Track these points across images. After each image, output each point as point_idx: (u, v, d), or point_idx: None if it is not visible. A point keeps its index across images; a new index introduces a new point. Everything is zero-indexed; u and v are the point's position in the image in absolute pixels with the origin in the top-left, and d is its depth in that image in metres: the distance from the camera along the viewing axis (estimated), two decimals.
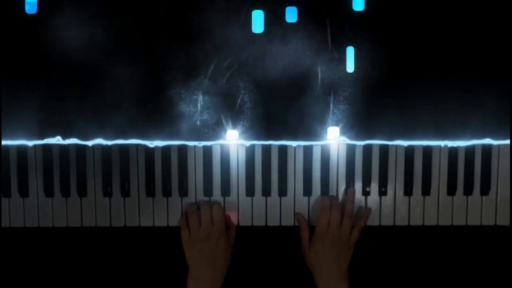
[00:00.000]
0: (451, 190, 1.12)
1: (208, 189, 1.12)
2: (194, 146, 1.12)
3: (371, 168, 1.12)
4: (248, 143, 1.11)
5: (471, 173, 1.12)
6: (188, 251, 1.09)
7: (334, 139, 1.11)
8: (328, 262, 1.08)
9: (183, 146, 1.11)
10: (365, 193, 1.13)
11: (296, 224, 1.12)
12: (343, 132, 1.11)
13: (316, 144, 1.11)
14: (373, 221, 1.13)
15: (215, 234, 1.07)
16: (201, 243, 1.07)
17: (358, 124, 1.11)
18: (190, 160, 1.12)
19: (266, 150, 1.12)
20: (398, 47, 1.10)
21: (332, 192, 1.12)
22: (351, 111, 1.10)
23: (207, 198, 1.13)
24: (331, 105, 1.10)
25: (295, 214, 1.12)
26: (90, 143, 1.11)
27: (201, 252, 1.08)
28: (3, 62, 1.09)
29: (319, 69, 1.09)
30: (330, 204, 1.09)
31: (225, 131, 1.11)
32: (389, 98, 1.10)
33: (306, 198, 1.12)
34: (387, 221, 1.13)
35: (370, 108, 1.10)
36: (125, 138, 1.11)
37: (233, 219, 1.12)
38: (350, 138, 1.11)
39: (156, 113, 1.10)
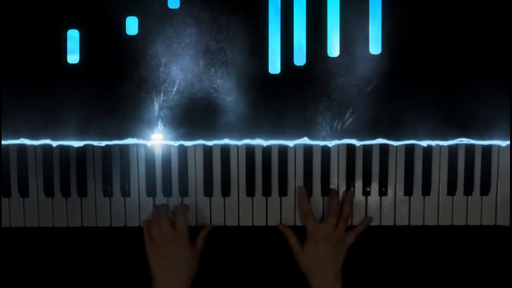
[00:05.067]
0: (451, 190, 1.12)
1: (208, 189, 1.12)
2: (194, 146, 1.12)
3: (371, 168, 1.12)
4: (248, 143, 1.11)
5: (471, 173, 1.12)
6: (151, 257, 1.08)
7: (334, 139, 1.11)
8: (322, 261, 1.08)
9: (183, 146, 1.11)
10: (365, 193, 1.13)
11: (297, 224, 1.12)
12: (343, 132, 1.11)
13: (316, 144, 1.11)
14: (373, 221, 1.13)
15: (178, 239, 1.07)
16: (164, 249, 1.07)
17: (358, 124, 1.11)
18: (190, 160, 1.12)
19: (267, 150, 1.12)
20: (398, 48, 1.10)
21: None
22: (351, 111, 1.11)
23: (207, 198, 1.13)
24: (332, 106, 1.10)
25: (281, 222, 1.13)
26: (90, 143, 1.11)
27: (163, 257, 1.07)
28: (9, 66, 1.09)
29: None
30: (309, 208, 1.10)
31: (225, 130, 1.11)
32: (389, 98, 1.10)
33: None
34: (387, 221, 1.13)
35: (370, 108, 1.11)
36: (125, 138, 1.11)
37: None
38: (350, 138, 1.11)
39: (156, 113, 1.10)
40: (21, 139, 1.11)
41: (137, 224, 1.12)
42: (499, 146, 1.11)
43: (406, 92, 1.10)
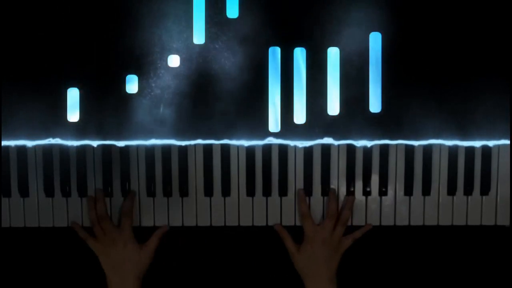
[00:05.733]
0: (451, 190, 1.12)
1: (208, 189, 1.12)
2: (195, 146, 1.12)
3: (371, 168, 1.12)
4: (248, 143, 1.11)
5: (471, 173, 1.12)
6: (100, 257, 1.10)
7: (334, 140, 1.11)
8: (317, 264, 1.08)
9: (183, 146, 1.11)
10: (365, 193, 1.13)
11: (297, 224, 1.12)
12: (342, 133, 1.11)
13: (316, 144, 1.11)
14: (373, 221, 1.13)
15: (122, 239, 1.08)
16: (109, 248, 1.08)
17: (358, 124, 1.11)
18: (191, 160, 1.12)
19: (267, 150, 1.12)
20: (397, 47, 1.10)
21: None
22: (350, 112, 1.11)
23: (207, 198, 1.13)
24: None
25: (281, 221, 1.13)
26: (90, 143, 1.11)
27: (110, 257, 1.08)
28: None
29: None
30: (307, 210, 1.10)
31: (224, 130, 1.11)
32: (389, 98, 1.10)
33: (307, 198, 1.12)
34: (387, 221, 1.13)
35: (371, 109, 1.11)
36: (125, 138, 1.11)
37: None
38: (351, 138, 1.11)
39: (157, 112, 1.10)
40: (21, 139, 1.11)
41: (137, 224, 1.12)
42: (499, 146, 1.11)
43: (406, 92, 1.10)
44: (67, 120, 1.10)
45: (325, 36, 1.09)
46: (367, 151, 1.12)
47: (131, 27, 1.08)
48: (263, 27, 1.08)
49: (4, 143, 1.10)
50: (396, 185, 1.12)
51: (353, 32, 1.09)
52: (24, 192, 1.12)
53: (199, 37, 1.09)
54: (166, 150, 1.11)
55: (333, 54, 1.09)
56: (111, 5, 1.08)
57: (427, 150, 1.11)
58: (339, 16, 1.08)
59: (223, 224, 1.13)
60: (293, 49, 1.09)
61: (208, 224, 1.13)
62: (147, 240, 1.10)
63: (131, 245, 1.09)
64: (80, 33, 1.09)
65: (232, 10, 1.08)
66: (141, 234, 1.11)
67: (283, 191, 1.12)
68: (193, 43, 1.09)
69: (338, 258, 1.09)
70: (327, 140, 1.11)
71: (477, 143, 1.11)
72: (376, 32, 1.09)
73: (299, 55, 1.09)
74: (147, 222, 1.13)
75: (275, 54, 1.09)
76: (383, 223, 1.13)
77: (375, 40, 1.09)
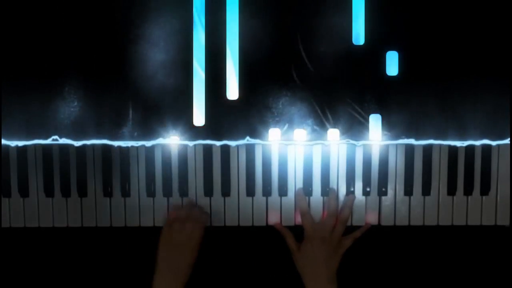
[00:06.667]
0: (451, 190, 1.12)
1: (208, 189, 1.12)
2: (194, 146, 1.12)
3: (371, 168, 1.12)
4: (248, 142, 1.11)
5: (471, 173, 1.12)
6: (163, 252, 1.06)
7: (334, 140, 1.11)
8: (317, 263, 1.08)
9: (184, 146, 1.11)
10: (365, 193, 1.13)
11: (297, 224, 1.12)
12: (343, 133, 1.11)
13: (316, 144, 1.11)
14: (373, 221, 1.13)
15: (194, 242, 1.06)
16: (177, 248, 1.06)
17: (358, 124, 1.11)
18: (190, 160, 1.12)
19: (266, 150, 1.12)
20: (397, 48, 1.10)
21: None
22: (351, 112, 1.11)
23: (207, 198, 1.13)
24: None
25: (281, 220, 1.13)
26: (90, 143, 1.11)
27: (174, 255, 1.06)
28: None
29: None
30: (306, 207, 1.10)
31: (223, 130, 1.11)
32: (388, 99, 1.10)
33: (307, 198, 1.12)
34: (387, 221, 1.13)
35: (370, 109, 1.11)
36: (125, 138, 1.11)
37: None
38: (350, 138, 1.11)
39: (157, 112, 1.10)
40: (21, 139, 1.11)
41: (137, 224, 1.12)
42: (499, 146, 1.11)
43: (405, 91, 1.10)
44: (67, 120, 1.10)
45: None
46: (367, 151, 1.12)
47: None
48: None
49: (4, 143, 1.10)
50: (396, 185, 1.12)
51: None
52: (24, 192, 1.12)
53: None
54: (166, 150, 1.11)
55: None
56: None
57: (427, 150, 1.11)
58: None
59: (223, 224, 1.13)
60: None
61: (208, 224, 1.13)
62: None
63: (195, 253, 1.07)
64: (79, 34, 1.09)
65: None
66: (141, 234, 1.12)
67: (283, 191, 1.12)
68: None
69: (338, 258, 1.09)
70: (328, 140, 1.11)
71: (477, 143, 1.11)
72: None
73: None
74: (146, 222, 1.13)
75: None
76: (383, 223, 1.13)
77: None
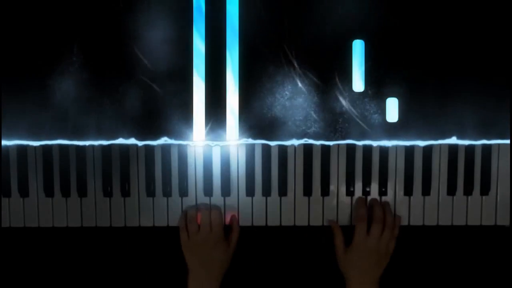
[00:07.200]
0: (451, 190, 1.12)
1: (208, 189, 1.12)
2: (194, 146, 1.12)
3: (371, 168, 1.12)
4: (248, 142, 1.11)
5: (471, 173, 1.12)
6: (187, 254, 1.10)
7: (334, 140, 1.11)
8: (362, 272, 1.08)
9: (184, 146, 1.11)
10: (365, 193, 1.13)
11: (297, 224, 1.12)
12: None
13: (316, 144, 1.11)
14: None
15: (213, 239, 1.09)
16: (199, 248, 1.09)
17: (358, 125, 1.11)
18: (190, 160, 1.12)
19: (266, 150, 1.12)
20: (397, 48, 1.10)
21: (332, 192, 1.12)
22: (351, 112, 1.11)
23: (207, 198, 1.13)
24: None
25: (328, 217, 1.13)
26: (90, 143, 1.11)
27: (198, 255, 1.09)
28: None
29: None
30: (365, 214, 1.09)
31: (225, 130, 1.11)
32: (388, 98, 1.10)
33: (306, 198, 1.12)
34: None
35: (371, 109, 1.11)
36: (125, 138, 1.11)
37: (232, 219, 1.12)
38: (350, 138, 1.11)
39: (157, 112, 1.10)
40: (21, 139, 1.11)
41: (136, 224, 1.12)
42: (499, 146, 1.11)
43: (405, 91, 1.10)
44: (68, 120, 1.10)
45: None
46: (367, 151, 1.11)
47: None
48: None
49: (4, 143, 1.10)
50: (396, 185, 1.12)
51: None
52: (24, 192, 1.12)
53: None
54: (167, 149, 1.11)
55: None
56: None
57: (427, 150, 1.11)
58: None
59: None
60: None
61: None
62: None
63: (221, 245, 1.09)
64: (79, 35, 1.09)
65: None
66: (141, 234, 1.12)
67: (283, 191, 1.12)
68: None
69: (385, 263, 1.09)
70: (329, 143, 1.11)
71: (477, 143, 1.11)
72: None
73: None
74: (146, 222, 1.13)
75: None
76: None
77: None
